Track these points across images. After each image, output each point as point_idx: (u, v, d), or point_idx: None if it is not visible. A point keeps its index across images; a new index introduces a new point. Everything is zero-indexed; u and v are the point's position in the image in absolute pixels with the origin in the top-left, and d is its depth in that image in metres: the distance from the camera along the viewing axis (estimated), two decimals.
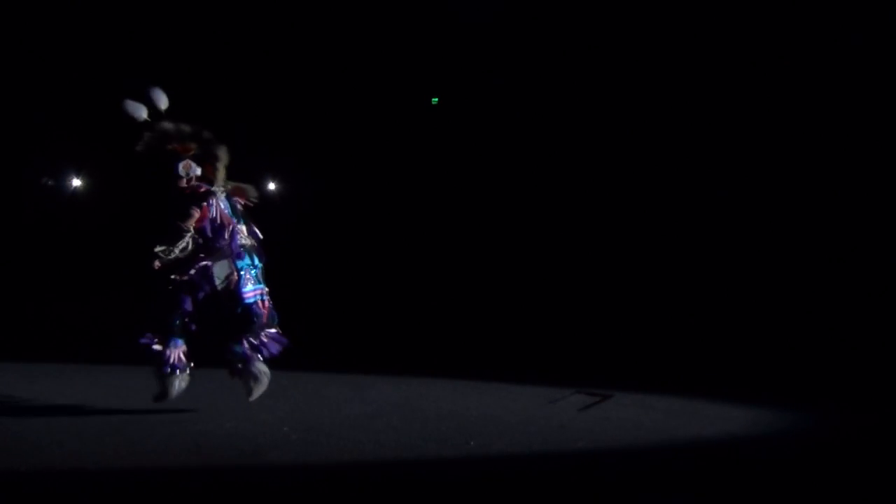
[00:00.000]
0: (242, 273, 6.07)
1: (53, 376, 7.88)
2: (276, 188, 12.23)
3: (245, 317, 6.07)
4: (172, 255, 5.88)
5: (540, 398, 7.08)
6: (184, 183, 6.07)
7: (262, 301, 6.17)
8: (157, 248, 5.85)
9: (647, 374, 8.37)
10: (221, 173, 6.12)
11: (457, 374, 8.28)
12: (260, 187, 6.38)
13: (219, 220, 6.07)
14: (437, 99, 12.20)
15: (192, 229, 5.97)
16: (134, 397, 6.52)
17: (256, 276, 6.17)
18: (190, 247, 5.96)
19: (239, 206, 6.23)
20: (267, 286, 6.26)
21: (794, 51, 10.05)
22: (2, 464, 4.59)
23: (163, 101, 6.19)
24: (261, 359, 6.12)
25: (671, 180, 10.58)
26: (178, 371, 6.02)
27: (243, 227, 6.18)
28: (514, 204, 11.28)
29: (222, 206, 6.10)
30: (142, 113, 6.16)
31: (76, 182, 11.83)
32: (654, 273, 10.51)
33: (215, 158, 6.10)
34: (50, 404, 6.34)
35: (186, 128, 6.11)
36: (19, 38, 10.70)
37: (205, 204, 6.02)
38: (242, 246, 6.11)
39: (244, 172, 6.43)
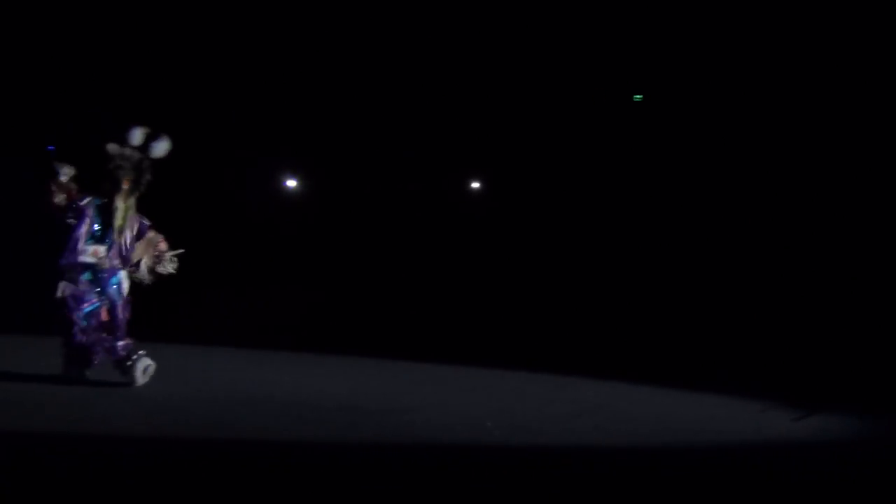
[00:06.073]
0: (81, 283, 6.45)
1: (272, 363, 8.45)
2: (479, 185, 12.51)
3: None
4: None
5: (750, 407, 6.90)
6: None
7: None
8: None
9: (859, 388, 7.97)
10: (123, 196, 6.52)
11: (657, 377, 8.17)
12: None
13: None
14: (640, 96, 12.05)
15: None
16: (350, 384, 6.95)
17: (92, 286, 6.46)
18: None
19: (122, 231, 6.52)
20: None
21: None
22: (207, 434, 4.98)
23: (136, 139, 6.64)
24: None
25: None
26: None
27: (95, 248, 6.46)
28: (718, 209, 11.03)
29: (86, 219, 6.46)
30: (136, 141, 6.64)
31: (292, 183, 12.56)
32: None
33: (118, 181, 6.53)
34: (270, 389, 6.69)
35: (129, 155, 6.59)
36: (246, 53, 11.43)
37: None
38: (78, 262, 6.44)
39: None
